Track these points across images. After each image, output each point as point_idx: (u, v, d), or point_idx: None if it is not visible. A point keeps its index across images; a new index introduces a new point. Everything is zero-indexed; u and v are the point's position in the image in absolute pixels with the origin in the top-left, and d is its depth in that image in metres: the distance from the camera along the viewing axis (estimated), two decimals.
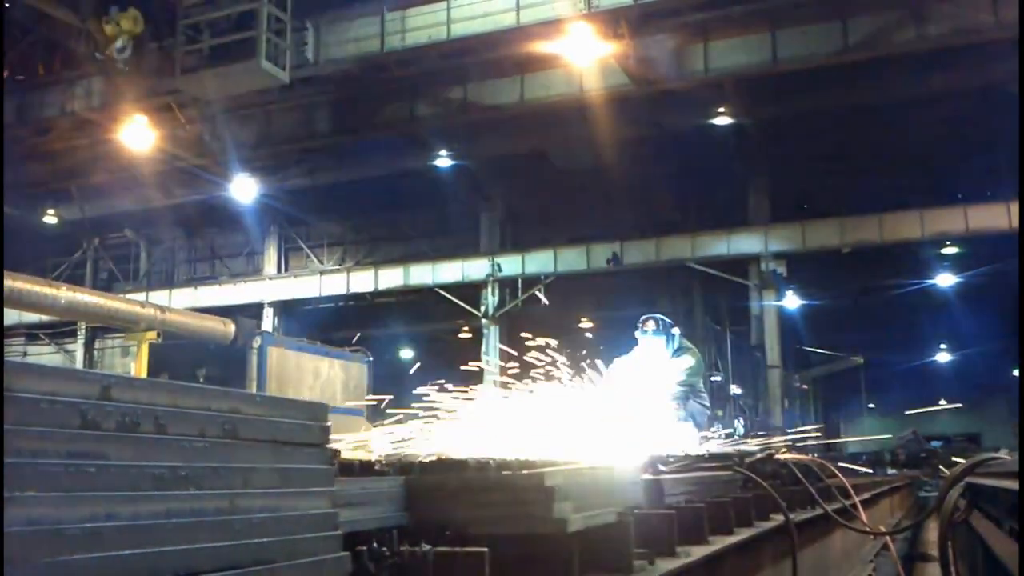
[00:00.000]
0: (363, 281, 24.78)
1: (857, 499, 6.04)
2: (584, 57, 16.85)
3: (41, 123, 20.12)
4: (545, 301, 22.92)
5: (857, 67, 17.70)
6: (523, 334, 5.91)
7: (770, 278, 21.25)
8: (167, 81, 17.53)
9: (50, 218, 26.66)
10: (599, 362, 6.77)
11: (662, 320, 7.85)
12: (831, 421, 51.02)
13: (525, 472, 2.46)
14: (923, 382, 44.28)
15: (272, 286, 26.10)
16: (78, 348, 28.10)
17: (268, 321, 24.88)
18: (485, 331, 23.06)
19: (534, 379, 5.79)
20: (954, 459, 9.81)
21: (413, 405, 4.96)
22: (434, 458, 2.77)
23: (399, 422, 4.67)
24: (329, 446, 1.80)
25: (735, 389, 29.38)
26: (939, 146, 21.39)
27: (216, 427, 1.49)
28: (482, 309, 23.23)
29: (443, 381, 5.28)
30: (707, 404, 8.09)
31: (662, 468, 4.33)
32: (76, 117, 19.71)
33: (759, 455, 5.38)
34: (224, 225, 27.91)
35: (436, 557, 2.02)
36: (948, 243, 22.68)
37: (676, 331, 7.92)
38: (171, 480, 1.37)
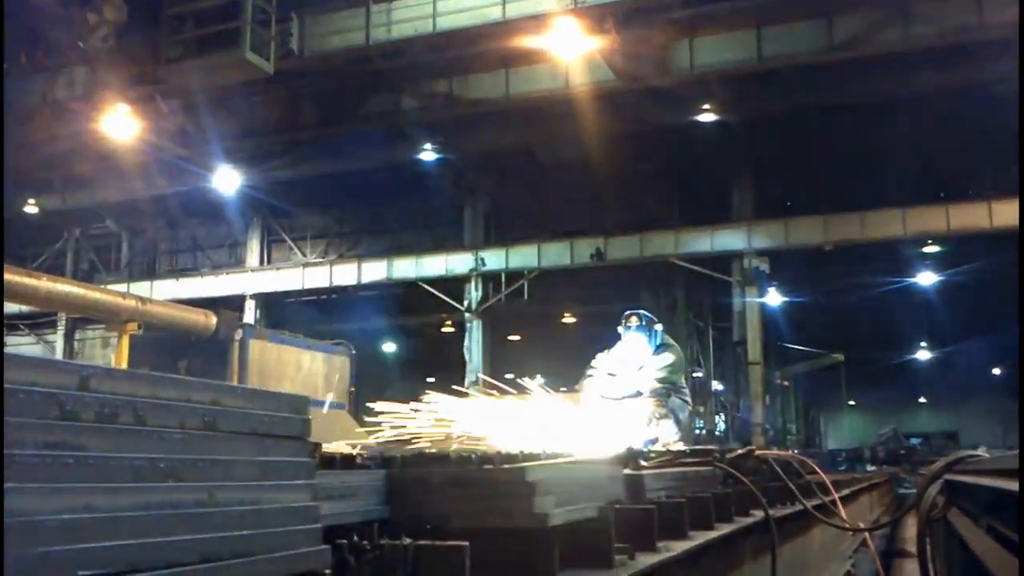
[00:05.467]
0: (346, 274, 24.74)
1: (836, 495, 6.07)
2: (570, 52, 16.84)
3: (22, 112, 19.94)
4: None
5: (842, 65, 17.75)
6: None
7: (753, 275, 21.34)
8: (150, 71, 17.43)
9: (31, 208, 26.46)
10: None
11: (645, 316, 7.86)
12: (812, 418, 51.40)
13: (507, 466, 2.46)
14: (903, 380, 44.64)
15: (254, 278, 26.02)
16: (58, 339, 27.92)
17: (250, 313, 24.80)
18: (468, 325, 23.06)
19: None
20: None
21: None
22: (416, 452, 2.77)
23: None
24: (310, 439, 1.79)
25: (717, 385, 29.53)
26: (922, 145, 21.51)
27: (196, 419, 1.49)
28: (465, 303, 23.23)
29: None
30: (689, 400, 8.11)
31: (643, 463, 4.34)
32: (58, 106, 19.55)
33: (740, 451, 5.41)
34: (206, 216, 27.77)
35: (417, 551, 2.01)
36: (930, 242, 22.85)
37: (658, 327, 7.94)
38: (150, 472, 1.36)
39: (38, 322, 27.97)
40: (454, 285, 23.53)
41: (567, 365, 6.96)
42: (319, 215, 27.27)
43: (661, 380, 7.55)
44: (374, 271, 24.43)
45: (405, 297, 25.21)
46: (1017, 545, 2.71)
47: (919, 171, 22.05)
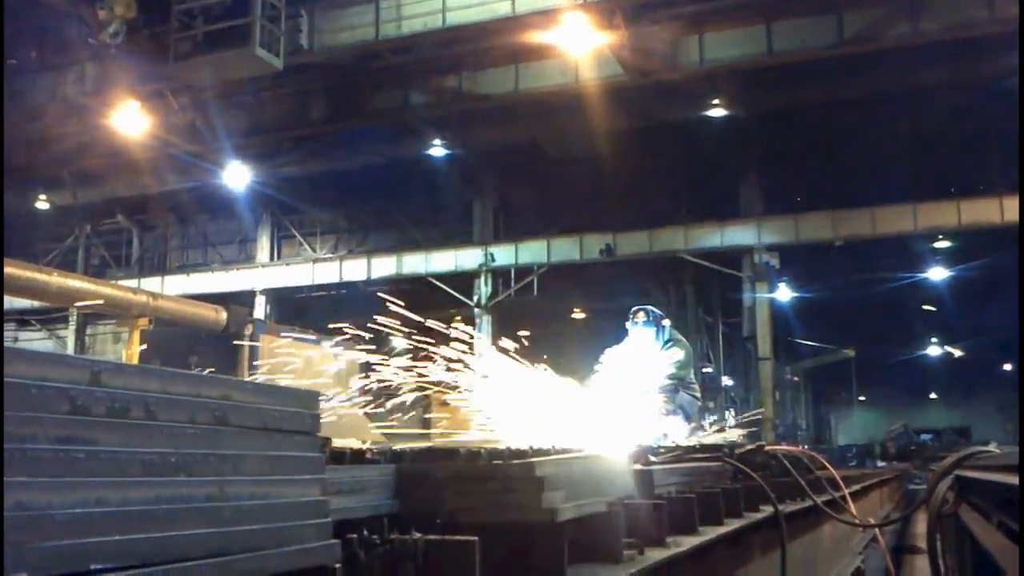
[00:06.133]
0: (356, 269, 24.77)
1: (846, 491, 6.06)
2: (579, 47, 16.82)
3: (33, 108, 20.01)
4: None
5: (851, 60, 17.71)
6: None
7: (763, 270, 21.30)
8: (160, 67, 17.46)
9: (42, 203, 26.56)
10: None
11: (653, 312, 7.87)
12: (821, 413, 51.29)
13: (516, 461, 2.46)
14: (914, 375, 44.50)
15: (264, 274, 26.07)
16: (69, 334, 28.04)
17: (260, 309, 24.85)
18: (478, 321, 23.07)
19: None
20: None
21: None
22: (425, 447, 2.77)
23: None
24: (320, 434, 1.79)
25: (726, 381, 29.49)
26: (932, 140, 21.45)
27: (207, 414, 1.49)
28: (475, 299, 23.23)
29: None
30: (698, 395, 8.11)
31: (653, 459, 4.33)
32: (68, 102, 19.61)
33: (749, 446, 5.40)
34: (217, 212, 27.84)
35: (426, 545, 2.01)
36: (940, 237, 22.78)
37: (667, 323, 7.94)
38: (161, 466, 1.37)
39: (49, 317, 28.08)
40: (464, 280, 23.54)
41: (576, 361, 6.95)
42: (328, 211, 27.31)
43: (669, 376, 7.55)
44: (383, 266, 24.46)
45: (414, 292, 25.23)
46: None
47: (929, 166, 21.99)
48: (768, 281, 21.56)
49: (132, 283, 23.65)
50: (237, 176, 23.63)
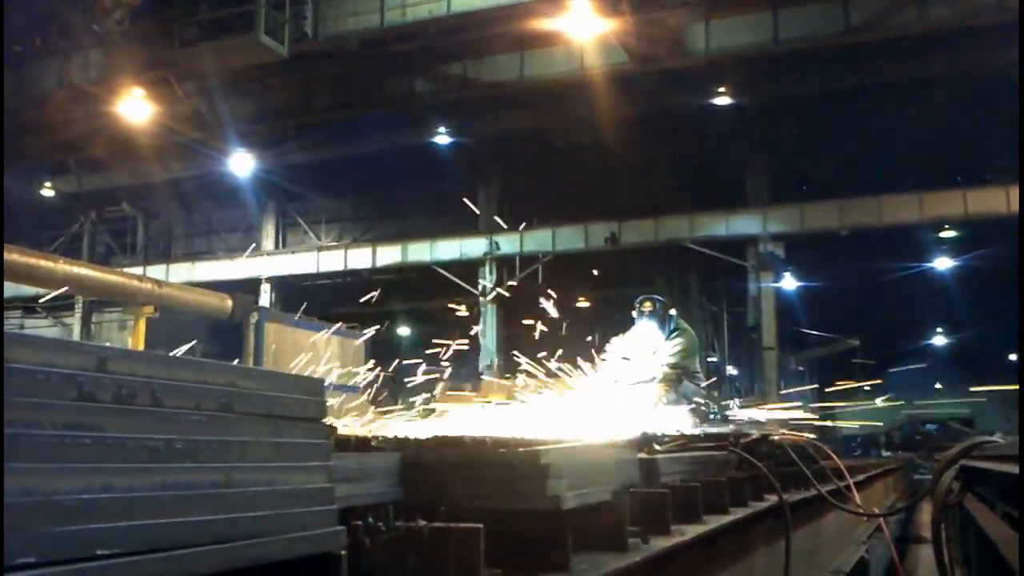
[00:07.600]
0: (361, 258, 24.76)
1: (851, 480, 6.06)
2: (584, 34, 16.76)
3: (38, 95, 20.00)
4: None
5: (858, 48, 17.63)
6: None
7: (768, 259, 21.26)
8: (165, 54, 17.45)
9: (47, 191, 26.58)
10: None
11: (659, 301, 7.85)
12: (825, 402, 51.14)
13: (521, 450, 2.46)
14: (919, 365, 44.36)
15: (269, 262, 26.08)
16: (75, 322, 28.08)
17: (265, 297, 24.87)
18: (482, 309, 23.06)
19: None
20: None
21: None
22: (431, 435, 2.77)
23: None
24: (325, 421, 1.79)
25: (731, 370, 29.46)
26: (938, 129, 21.35)
27: (212, 400, 1.49)
28: (480, 287, 23.21)
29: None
30: (703, 385, 8.10)
31: (657, 447, 4.33)
32: (73, 89, 19.59)
33: (754, 435, 5.39)
34: (221, 200, 27.83)
35: (431, 532, 2.02)
36: (946, 226, 22.72)
37: (672, 312, 7.92)
38: (167, 453, 1.37)
39: (55, 305, 28.10)
40: (468, 269, 23.52)
41: (581, 350, 6.95)
42: (333, 199, 27.29)
43: (673, 365, 7.54)
44: (388, 255, 24.45)
45: (419, 281, 25.20)
46: None
47: (935, 155, 21.90)
48: (773, 270, 21.53)
49: (137, 271, 23.68)
50: (242, 164, 23.63)
